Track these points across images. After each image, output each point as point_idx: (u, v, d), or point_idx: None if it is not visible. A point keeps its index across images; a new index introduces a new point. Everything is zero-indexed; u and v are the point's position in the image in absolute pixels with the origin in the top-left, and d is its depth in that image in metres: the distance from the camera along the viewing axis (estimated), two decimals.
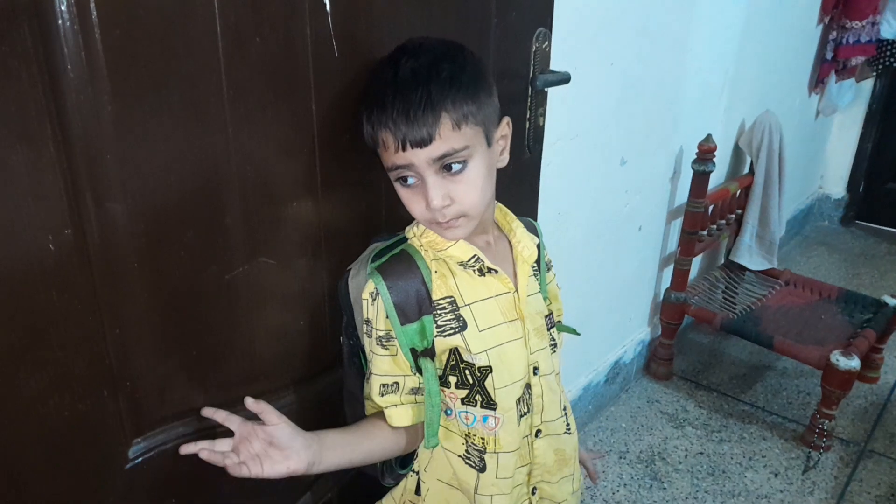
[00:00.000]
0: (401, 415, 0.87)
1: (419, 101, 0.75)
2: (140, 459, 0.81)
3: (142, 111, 0.69)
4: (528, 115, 1.19)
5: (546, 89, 1.18)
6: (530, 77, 1.15)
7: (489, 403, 0.87)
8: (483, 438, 0.89)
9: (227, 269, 0.83)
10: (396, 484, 0.97)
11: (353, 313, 0.91)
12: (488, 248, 0.90)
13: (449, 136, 0.76)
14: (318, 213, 0.90)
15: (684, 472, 1.84)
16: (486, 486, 0.90)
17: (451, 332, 0.85)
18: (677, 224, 2.14)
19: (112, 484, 0.80)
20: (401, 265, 0.85)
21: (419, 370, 0.86)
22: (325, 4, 0.80)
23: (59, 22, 0.61)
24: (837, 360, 1.80)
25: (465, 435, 0.90)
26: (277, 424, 0.77)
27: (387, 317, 0.83)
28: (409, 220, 0.88)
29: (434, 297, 0.84)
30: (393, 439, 0.88)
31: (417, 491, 0.94)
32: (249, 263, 0.85)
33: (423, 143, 0.75)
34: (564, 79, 1.19)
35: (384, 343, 0.85)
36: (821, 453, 1.90)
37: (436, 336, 0.85)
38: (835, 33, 2.69)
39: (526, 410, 0.91)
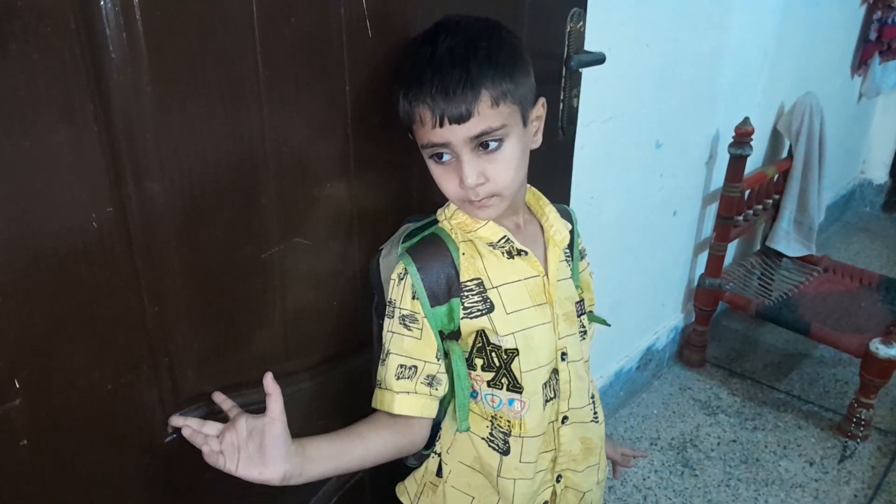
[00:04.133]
0: (410, 403, 0.83)
1: (458, 79, 0.74)
2: (178, 434, 0.83)
3: (180, 91, 0.70)
4: (561, 97, 1.17)
5: (580, 70, 1.17)
6: (564, 57, 1.14)
7: (515, 387, 0.87)
8: (509, 421, 0.89)
9: (262, 248, 0.84)
10: (420, 465, 0.98)
11: (383, 293, 0.91)
12: (518, 231, 0.89)
13: (487, 113, 0.76)
14: (351, 193, 0.91)
15: (717, 459, 1.82)
16: (510, 469, 0.90)
17: (479, 313, 0.85)
18: (713, 209, 2.11)
19: (152, 457, 0.82)
20: (431, 247, 0.85)
21: (445, 354, 0.86)
22: None
23: (102, 3, 0.62)
24: (877, 348, 1.76)
25: (491, 417, 0.90)
26: (274, 421, 0.73)
27: (413, 297, 0.83)
28: (441, 200, 0.88)
29: (461, 279, 0.84)
30: (392, 440, 0.83)
31: (439, 472, 0.95)
32: (284, 243, 0.86)
33: (461, 119, 0.75)
34: (599, 59, 1.17)
35: (408, 323, 0.84)
36: (858, 443, 1.87)
37: (462, 318, 0.85)
38: (880, 13, 2.61)
39: (552, 396, 0.91)
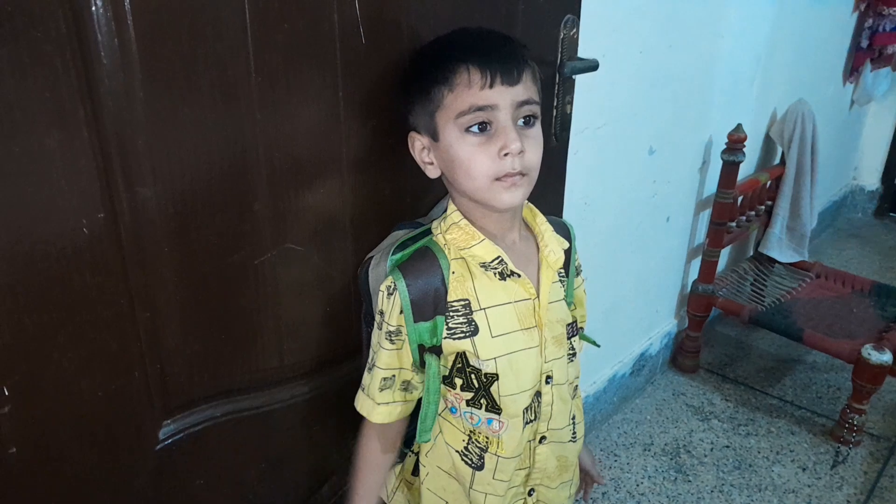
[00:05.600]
0: (388, 411, 0.87)
1: (505, 43, 0.75)
2: (170, 441, 0.83)
3: (172, 97, 0.70)
4: (555, 103, 1.17)
5: (574, 77, 1.17)
6: (558, 64, 1.14)
7: (494, 408, 0.86)
8: (487, 438, 0.88)
9: (255, 254, 0.83)
10: (401, 461, 0.98)
11: (371, 302, 0.90)
12: (514, 248, 0.86)
13: (530, 85, 0.76)
14: (344, 199, 0.91)
15: (710, 465, 1.82)
16: (482, 483, 0.90)
17: (462, 335, 0.83)
18: (706, 215, 2.11)
19: (142, 464, 0.82)
20: (422, 262, 0.83)
21: (422, 365, 0.85)
22: None
23: (93, 9, 0.62)
24: (869, 353, 1.76)
25: (469, 431, 0.89)
26: None
27: (401, 312, 0.81)
28: (432, 207, 0.88)
29: (449, 299, 0.82)
30: (381, 445, 0.91)
31: (415, 472, 0.95)
32: (277, 249, 0.85)
33: (512, 80, 0.74)
34: (592, 66, 1.18)
35: (392, 338, 0.83)
36: (850, 448, 1.87)
37: (445, 337, 0.83)
38: (871, 20, 2.62)
39: (533, 418, 0.89)
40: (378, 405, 0.86)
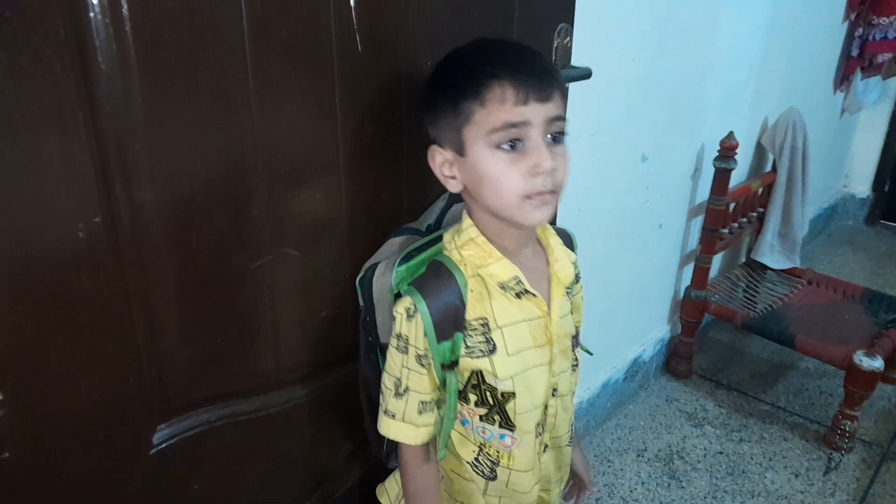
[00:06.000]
0: (427, 433, 0.85)
1: (537, 60, 0.75)
2: (165, 445, 0.83)
3: (170, 101, 0.70)
4: None
5: (567, 84, 1.18)
6: None
7: (508, 425, 0.86)
8: (498, 452, 0.88)
9: (252, 258, 0.84)
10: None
11: (373, 311, 0.89)
12: (527, 264, 0.84)
13: (559, 102, 0.76)
14: (341, 204, 0.91)
15: (703, 471, 1.82)
16: (496, 490, 0.90)
17: (480, 354, 0.82)
18: (698, 221, 2.12)
19: (137, 468, 0.82)
20: (439, 280, 0.80)
21: (443, 384, 0.85)
22: None
23: (91, 14, 0.63)
24: (861, 360, 1.77)
25: (480, 444, 0.89)
26: None
27: (424, 335, 0.79)
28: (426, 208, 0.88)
29: (467, 318, 0.81)
30: (435, 464, 0.89)
31: None
32: (274, 254, 0.86)
33: (544, 98, 0.73)
34: (586, 74, 1.19)
35: (422, 361, 0.81)
36: (842, 455, 1.88)
37: (463, 356, 0.82)
38: (861, 29, 2.65)
39: (541, 431, 0.90)
40: (419, 428, 0.84)
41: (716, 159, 1.94)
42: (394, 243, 0.92)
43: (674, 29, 1.64)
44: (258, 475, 0.97)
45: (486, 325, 0.82)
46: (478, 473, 0.89)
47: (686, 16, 1.67)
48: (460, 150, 0.77)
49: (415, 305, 0.79)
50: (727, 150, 1.92)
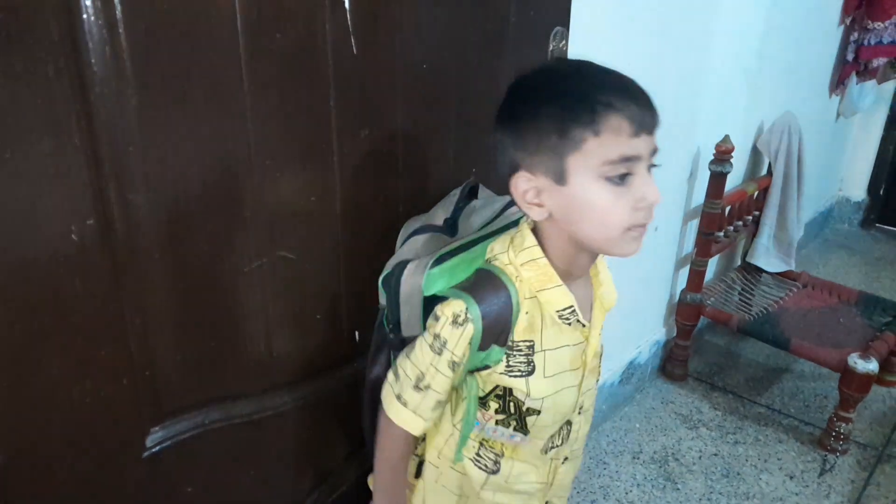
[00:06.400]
0: (427, 426, 0.85)
1: (643, 90, 0.73)
2: (158, 448, 0.83)
3: (164, 104, 0.70)
4: None
5: None
6: None
7: (522, 430, 0.86)
8: (502, 444, 0.88)
9: (247, 261, 0.84)
10: None
11: (398, 311, 0.87)
12: (578, 291, 0.82)
13: (656, 133, 0.74)
14: (336, 207, 0.91)
15: (698, 473, 1.82)
16: (493, 485, 0.90)
17: (518, 374, 0.81)
18: (694, 225, 2.13)
19: (130, 471, 0.81)
20: (495, 295, 0.77)
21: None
22: (343, 1, 0.81)
23: (85, 16, 0.63)
24: (855, 362, 1.78)
25: (482, 440, 0.88)
26: None
27: (469, 343, 0.77)
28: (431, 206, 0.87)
29: (515, 339, 0.79)
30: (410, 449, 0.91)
31: (418, 474, 0.94)
32: (268, 257, 0.86)
33: (653, 128, 0.72)
34: None
35: (454, 367, 0.79)
36: (837, 457, 1.88)
37: (501, 373, 0.81)
38: (856, 34, 2.66)
39: (560, 443, 0.90)
40: (427, 421, 0.84)
41: (711, 163, 1.95)
42: (417, 241, 0.90)
43: (669, 32, 1.64)
44: (254, 477, 0.97)
45: (531, 347, 0.80)
46: (480, 468, 0.89)
47: (681, 19, 1.67)
48: (560, 179, 0.73)
49: (467, 313, 0.76)
50: (723, 153, 1.92)
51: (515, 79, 0.79)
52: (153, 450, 0.82)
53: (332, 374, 1.00)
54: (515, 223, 0.86)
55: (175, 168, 0.73)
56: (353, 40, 0.83)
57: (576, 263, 0.80)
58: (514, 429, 0.85)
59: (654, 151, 0.74)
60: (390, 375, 0.85)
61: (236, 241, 0.82)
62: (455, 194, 0.98)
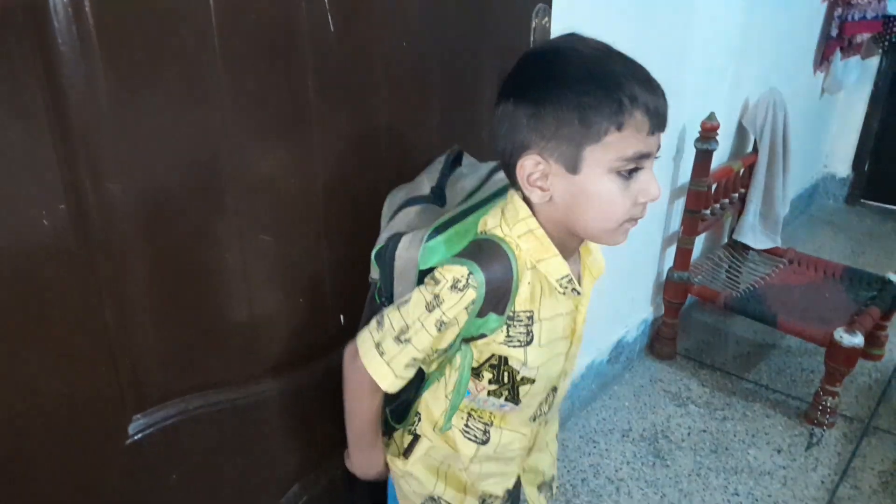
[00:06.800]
0: (397, 385, 0.82)
1: (660, 86, 0.73)
2: (140, 436, 0.82)
3: (136, 86, 0.69)
4: None
5: None
6: None
7: (514, 399, 0.86)
8: (491, 413, 0.89)
9: (226, 245, 0.83)
10: (389, 437, 0.96)
11: (391, 283, 0.85)
12: (571, 259, 0.83)
13: None
14: (316, 189, 0.90)
15: (687, 449, 1.84)
16: (481, 457, 0.90)
17: (518, 344, 0.81)
18: (680, 203, 2.13)
19: (113, 460, 0.81)
20: (499, 263, 0.77)
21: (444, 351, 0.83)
22: None
23: None
24: (841, 337, 1.79)
25: (470, 410, 0.88)
26: None
27: (466, 308, 0.76)
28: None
29: (517, 309, 0.79)
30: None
31: (409, 449, 0.94)
32: (248, 241, 0.85)
33: (664, 128, 0.73)
34: None
35: (441, 328, 0.77)
36: (824, 430, 1.90)
37: (501, 343, 0.81)
38: (840, 9, 2.66)
39: (547, 409, 0.92)
40: (397, 379, 0.81)
41: (697, 140, 1.95)
42: (410, 213, 0.89)
43: (653, 9, 1.63)
44: (240, 465, 0.96)
45: (531, 317, 0.81)
46: (469, 439, 0.89)
47: None
48: (572, 168, 0.72)
49: (468, 279, 0.75)
50: (708, 131, 1.92)
51: (531, 53, 0.77)
52: (135, 438, 0.81)
53: (317, 359, 1.00)
54: (504, 190, 0.85)
55: (149, 152, 0.72)
56: (329, 17, 0.82)
57: (565, 245, 0.80)
58: (506, 398, 0.86)
59: (659, 146, 0.74)
60: (373, 323, 0.82)
61: (215, 226, 0.81)
62: (440, 161, 0.97)
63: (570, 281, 0.80)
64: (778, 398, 2.05)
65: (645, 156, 0.72)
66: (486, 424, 0.89)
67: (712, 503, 1.67)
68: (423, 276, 0.81)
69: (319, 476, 1.08)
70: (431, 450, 0.92)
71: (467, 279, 0.75)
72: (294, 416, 1.00)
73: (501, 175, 0.90)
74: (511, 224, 0.78)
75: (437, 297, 0.77)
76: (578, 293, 0.83)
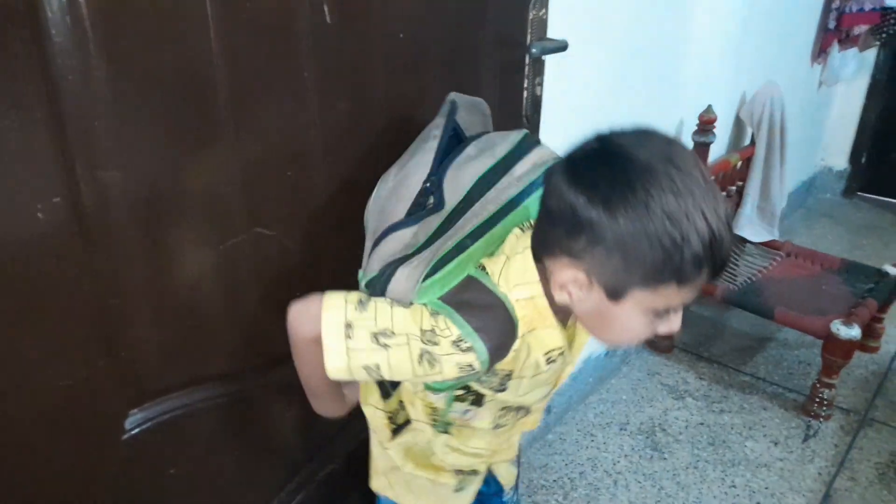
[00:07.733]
0: (343, 377, 0.73)
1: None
2: (137, 430, 0.82)
3: (132, 77, 0.68)
4: (525, 84, 1.17)
5: (543, 57, 1.17)
6: (527, 45, 1.14)
7: (478, 405, 0.84)
8: (454, 419, 0.87)
9: (224, 238, 0.82)
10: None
11: (381, 292, 0.78)
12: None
13: None
14: (316, 181, 0.90)
15: (685, 442, 1.84)
16: (445, 443, 0.90)
17: (489, 390, 0.80)
18: None
19: (109, 454, 0.80)
20: (507, 339, 0.72)
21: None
22: None
23: None
24: (838, 329, 1.79)
25: (433, 408, 0.86)
26: None
27: (460, 368, 0.70)
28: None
29: (496, 366, 0.74)
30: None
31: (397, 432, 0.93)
32: (246, 233, 0.84)
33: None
34: (562, 46, 1.18)
35: (424, 363, 0.70)
36: (821, 422, 1.91)
37: (471, 383, 0.79)
38: (838, 2, 2.65)
39: (524, 415, 0.90)
40: (347, 371, 0.72)
41: (694, 133, 1.94)
42: (405, 237, 0.79)
43: (650, 1, 1.63)
44: (238, 458, 0.96)
45: (508, 375, 0.78)
46: (429, 424, 0.88)
47: None
48: (614, 296, 0.67)
49: (473, 349, 0.69)
50: (706, 123, 1.92)
51: (613, 148, 0.71)
52: (132, 432, 0.81)
53: None
54: (517, 204, 0.78)
55: (147, 143, 0.71)
56: (325, 8, 0.81)
57: (564, 313, 0.75)
58: (471, 403, 0.84)
59: None
60: (353, 296, 0.72)
61: (214, 218, 0.80)
62: (435, 136, 0.86)
63: (561, 354, 0.76)
64: (775, 391, 2.05)
65: (683, 304, 0.69)
66: (447, 424, 0.88)
67: (710, 496, 1.67)
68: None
69: (321, 466, 1.08)
70: (416, 435, 0.92)
71: (472, 350, 0.69)
72: (294, 408, 0.99)
73: (525, 169, 0.83)
74: (512, 284, 0.71)
75: (435, 343, 0.69)
76: (563, 355, 0.77)
